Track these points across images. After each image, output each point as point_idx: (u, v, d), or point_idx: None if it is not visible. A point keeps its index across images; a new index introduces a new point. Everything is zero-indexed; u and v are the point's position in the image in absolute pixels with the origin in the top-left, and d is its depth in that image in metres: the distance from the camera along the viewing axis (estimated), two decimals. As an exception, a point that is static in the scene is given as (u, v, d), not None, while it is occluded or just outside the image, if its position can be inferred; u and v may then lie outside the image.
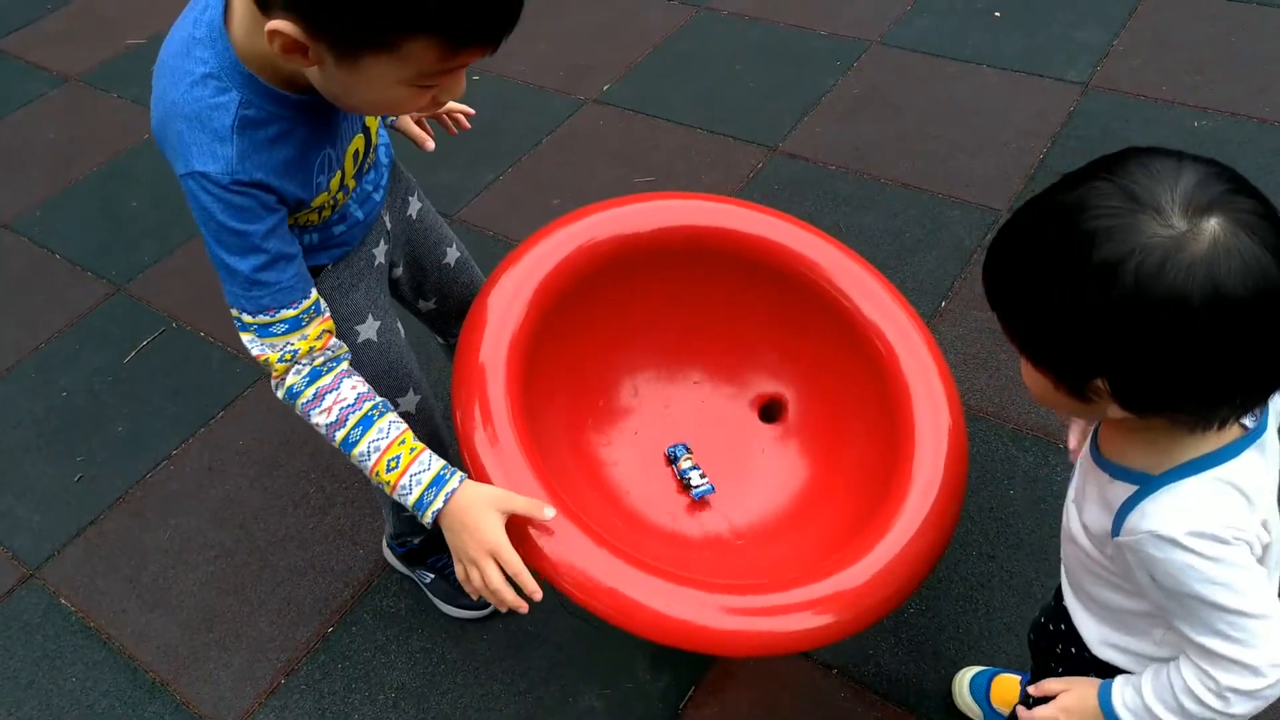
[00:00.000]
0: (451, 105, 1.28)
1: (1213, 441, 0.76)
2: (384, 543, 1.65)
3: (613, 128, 2.58)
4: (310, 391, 1.01)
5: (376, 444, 1.01)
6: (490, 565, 0.97)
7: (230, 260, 0.95)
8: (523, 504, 1.01)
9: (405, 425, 1.04)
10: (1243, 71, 2.44)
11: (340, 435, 1.01)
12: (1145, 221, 0.66)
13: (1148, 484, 0.78)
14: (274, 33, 0.83)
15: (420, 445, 1.03)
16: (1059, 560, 1.55)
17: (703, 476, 1.34)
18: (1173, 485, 0.76)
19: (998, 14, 2.76)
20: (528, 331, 1.17)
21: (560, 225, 1.29)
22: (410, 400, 1.28)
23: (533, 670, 1.51)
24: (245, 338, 1.00)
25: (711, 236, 1.32)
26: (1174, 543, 0.74)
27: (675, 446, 1.39)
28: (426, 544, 1.54)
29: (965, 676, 1.39)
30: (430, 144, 1.33)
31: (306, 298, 1.00)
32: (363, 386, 1.03)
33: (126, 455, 1.91)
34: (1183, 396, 0.70)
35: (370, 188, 1.16)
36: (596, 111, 2.64)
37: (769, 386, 1.45)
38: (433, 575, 1.57)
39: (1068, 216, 0.69)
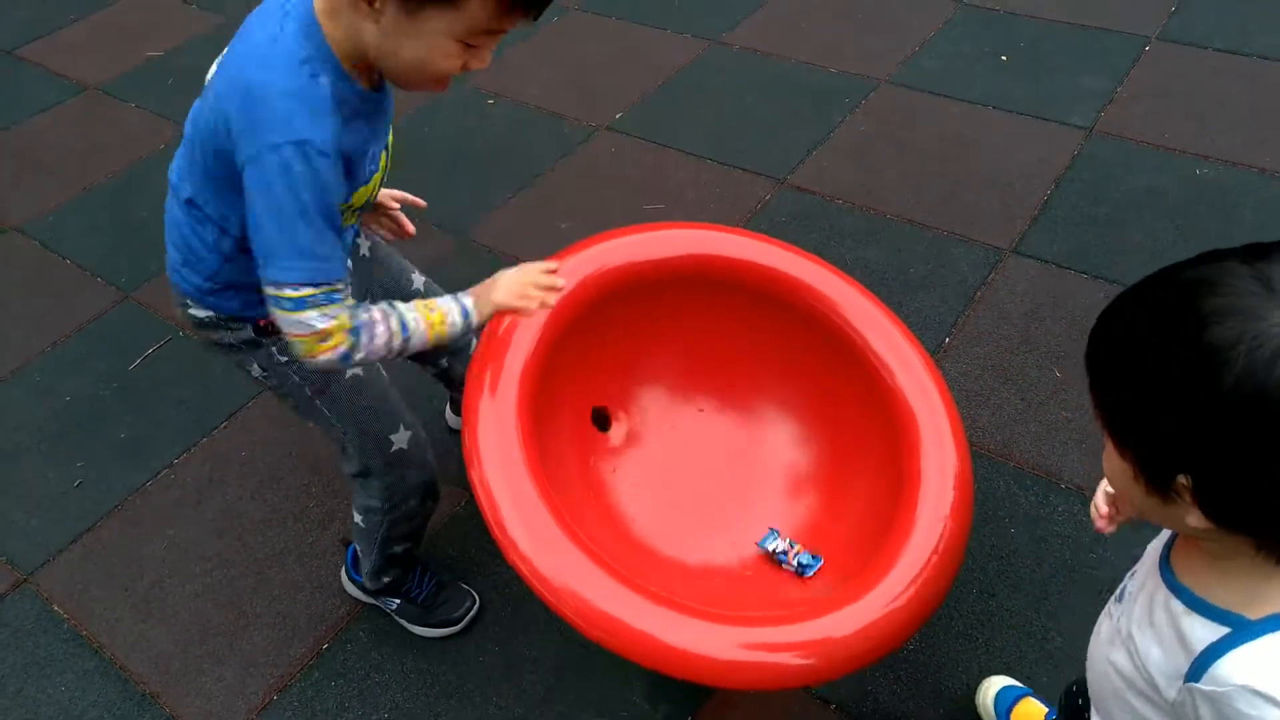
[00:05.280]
0: (399, 201, 1.37)
1: None
2: (343, 574, 1.62)
3: (624, 155, 2.61)
4: (365, 336, 1.07)
5: (418, 320, 1.12)
6: (531, 271, 1.19)
7: (312, 231, 0.98)
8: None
9: (415, 302, 1.15)
10: (1243, 122, 2.48)
11: (395, 329, 1.10)
12: (1271, 309, 0.59)
13: (1244, 629, 0.69)
14: None
15: (434, 303, 1.16)
16: (1059, 599, 1.55)
17: (799, 551, 1.31)
18: (1277, 635, 0.67)
19: (1005, 58, 2.81)
20: (539, 358, 1.18)
21: (573, 252, 1.30)
22: (403, 436, 1.31)
23: (528, 694, 1.50)
24: (307, 315, 1.01)
25: (725, 267, 1.33)
26: (1277, 704, 0.65)
27: (766, 538, 1.36)
28: (394, 584, 1.53)
29: (993, 685, 1.38)
30: (409, 229, 1.40)
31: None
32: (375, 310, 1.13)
33: (128, 462, 1.91)
34: (1273, 517, 0.64)
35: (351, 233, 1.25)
36: (608, 139, 2.68)
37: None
38: (399, 600, 1.56)
39: (1188, 291, 0.63)
